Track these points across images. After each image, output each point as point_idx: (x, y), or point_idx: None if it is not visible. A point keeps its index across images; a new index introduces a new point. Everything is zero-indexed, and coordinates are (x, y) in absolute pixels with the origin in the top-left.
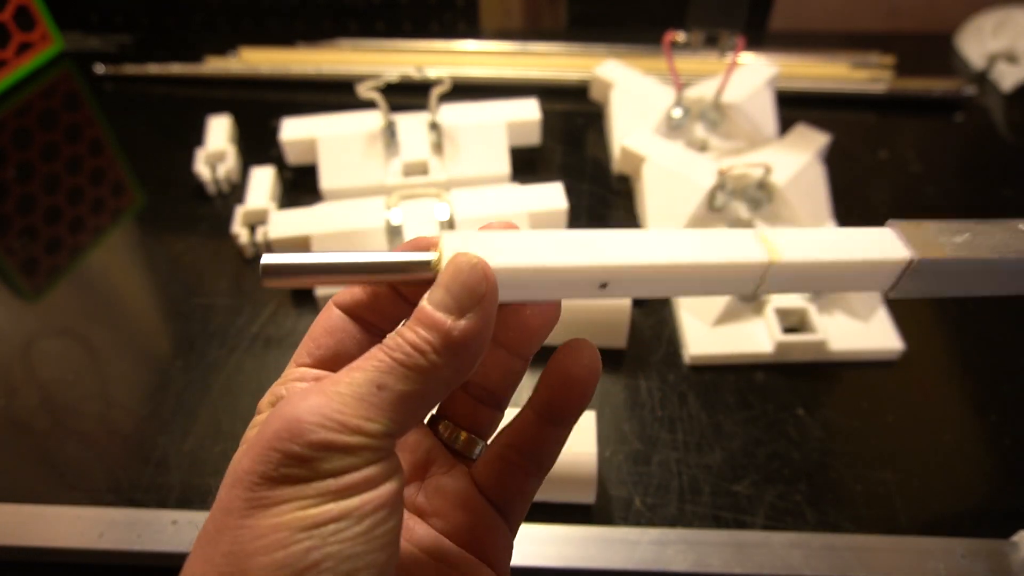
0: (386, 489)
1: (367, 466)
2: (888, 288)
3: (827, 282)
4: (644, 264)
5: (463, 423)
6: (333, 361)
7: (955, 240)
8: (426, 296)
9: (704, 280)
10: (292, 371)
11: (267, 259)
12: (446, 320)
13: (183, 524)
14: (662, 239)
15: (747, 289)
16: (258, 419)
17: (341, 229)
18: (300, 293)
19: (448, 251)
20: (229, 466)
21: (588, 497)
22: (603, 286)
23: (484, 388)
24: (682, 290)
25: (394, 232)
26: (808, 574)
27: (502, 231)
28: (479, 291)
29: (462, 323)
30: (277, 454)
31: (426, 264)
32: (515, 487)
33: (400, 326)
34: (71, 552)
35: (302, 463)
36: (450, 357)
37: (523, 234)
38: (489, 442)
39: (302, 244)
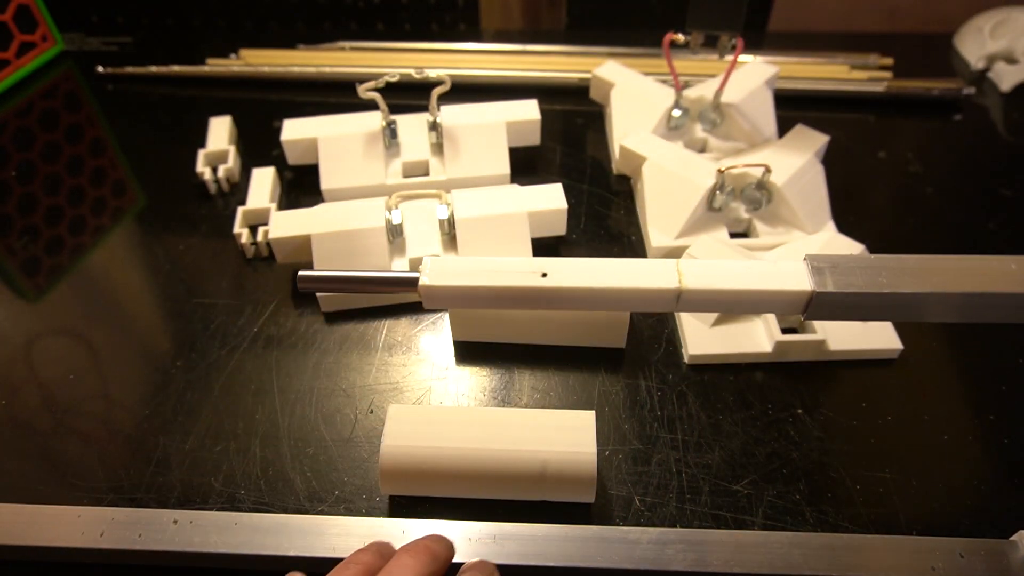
0: None
1: None
2: (801, 313)
3: (739, 307)
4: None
5: None
6: None
7: (863, 275)
8: None
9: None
10: None
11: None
12: None
13: (183, 524)
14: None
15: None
16: None
17: (341, 229)
18: (301, 293)
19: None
20: None
21: (588, 497)
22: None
23: None
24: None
25: (395, 232)
26: (808, 574)
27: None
28: None
29: None
30: None
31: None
32: None
33: None
34: (72, 551)
35: None
36: None
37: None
38: None
39: (303, 244)
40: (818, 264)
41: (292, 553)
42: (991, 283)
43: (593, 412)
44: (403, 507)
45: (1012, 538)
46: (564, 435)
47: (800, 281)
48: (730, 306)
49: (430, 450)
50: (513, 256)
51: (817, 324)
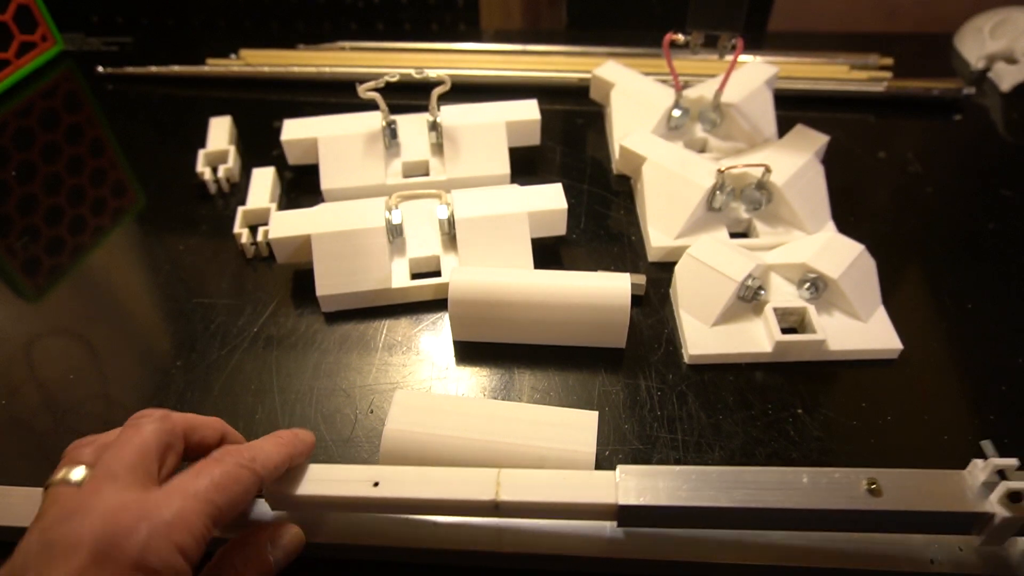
0: None
1: None
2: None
3: (554, 515)
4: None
5: None
6: None
7: (666, 487)
8: None
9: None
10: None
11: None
12: None
13: None
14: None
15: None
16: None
17: (341, 229)
18: (301, 293)
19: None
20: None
21: None
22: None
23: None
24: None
25: (395, 232)
26: (806, 566)
27: None
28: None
29: None
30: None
31: None
32: None
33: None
34: None
35: None
36: None
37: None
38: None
39: (303, 244)
40: (626, 476)
41: None
42: (786, 498)
43: (596, 413)
44: None
45: None
46: (564, 432)
47: (607, 495)
48: (546, 514)
49: (430, 437)
50: (512, 257)
51: (817, 324)
